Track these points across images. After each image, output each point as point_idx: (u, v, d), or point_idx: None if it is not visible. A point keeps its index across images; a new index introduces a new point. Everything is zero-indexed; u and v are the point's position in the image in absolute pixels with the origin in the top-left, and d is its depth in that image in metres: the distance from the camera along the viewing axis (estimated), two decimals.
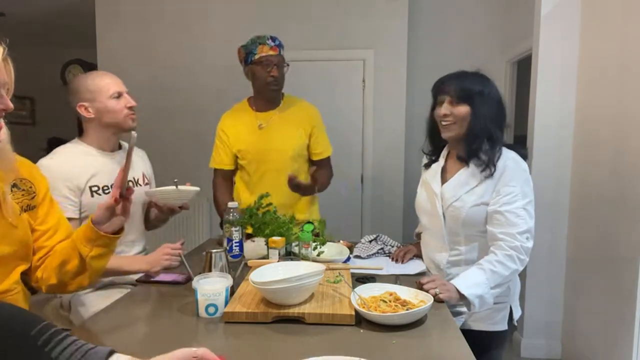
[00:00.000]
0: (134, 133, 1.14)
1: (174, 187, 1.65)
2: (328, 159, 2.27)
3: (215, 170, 2.30)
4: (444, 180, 1.61)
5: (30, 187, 1.22)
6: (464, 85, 1.52)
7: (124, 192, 1.16)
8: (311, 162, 2.25)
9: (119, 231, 1.21)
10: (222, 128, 2.24)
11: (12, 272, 1.15)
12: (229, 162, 2.24)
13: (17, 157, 1.16)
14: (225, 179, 2.30)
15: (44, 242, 1.23)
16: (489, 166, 1.50)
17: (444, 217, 1.58)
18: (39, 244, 1.23)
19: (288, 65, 2.12)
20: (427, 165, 1.73)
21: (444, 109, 1.54)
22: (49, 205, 1.27)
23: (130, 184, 1.72)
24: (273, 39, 2.07)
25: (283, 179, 2.02)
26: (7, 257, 1.12)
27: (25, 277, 1.23)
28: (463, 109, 1.52)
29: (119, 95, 1.66)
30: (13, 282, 1.14)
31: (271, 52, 2.05)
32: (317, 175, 2.21)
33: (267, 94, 2.12)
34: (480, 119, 1.51)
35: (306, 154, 2.20)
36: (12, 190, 1.16)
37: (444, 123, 1.55)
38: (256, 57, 2.06)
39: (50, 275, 1.21)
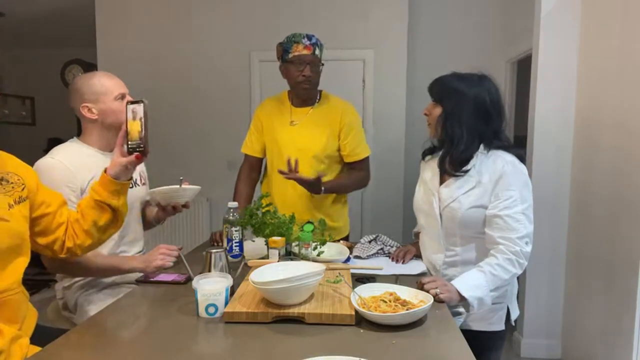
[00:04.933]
0: (146, 100, 1.31)
1: (178, 185, 1.66)
2: (361, 162, 2.18)
3: (245, 156, 2.27)
4: (442, 180, 1.61)
5: (18, 180, 1.24)
6: (440, 86, 1.57)
7: (147, 150, 1.32)
8: (347, 165, 2.19)
9: (130, 178, 1.39)
10: (258, 114, 2.23)
11: (9, 267, 1.14)
12: (258, 149, 2.22)
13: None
14: (251, 168, 2.27)
15: (60, 218, 1.34)
16: (457, 166, 1.54)
17: (440, 217, 1.58)
18: (57, 222, 1.33)
19: (323, 64, 2.10)
20: (425, 154, 1.74)
21: (425, 108, 1.62)
22: (45, 190, 1.35)
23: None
24: (309, 37, 2.03)
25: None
26: (2, 252, 1.12)
27: (50, 252, 1.35)
28: (436, 111, 1.56)
29: (123, 97, 1.66)
30: (13, 280, 1.14)
31: (305, 52, 2.02)
32: (340, 175, 2.17)
33: (299, 93, 2.10)
34: (453, 121, 1.52)
35: (337, 155, 2.15)
36: (2, 184, 1.18)
37: (427, 122, 1.63)
38: (290, 55, 2.03)
39: (84, 238, 1.36)
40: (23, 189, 1.24)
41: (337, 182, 2.13)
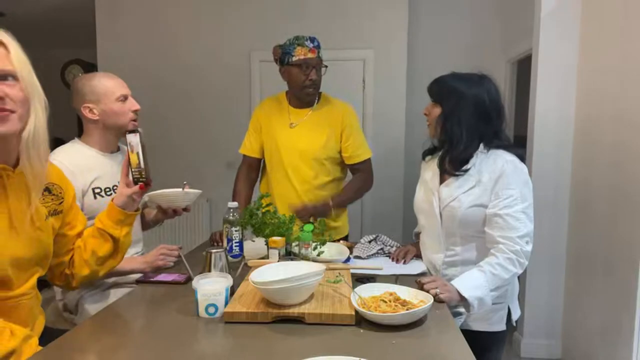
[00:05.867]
0: (141, 130, 1.33)
1: (181, 189, 1.66)
2: (363, 163, 2.16)
3: (243, 156, 2.26)
4: (442, 180, 1.61)
5: (60, 193, 1.26)
6: (439, 86, 1.57)
7: (149, 180, 1.33)
8: (349, 167, 2.19)
9: (137, 209, 1.38)
10: (257, 115, 2.21)
11: (30, 276, 1.16)
12: (257, 150, 2.21)
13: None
14: (250, 168, 2.25)
15: (73, 244, 1.33)
16: (457, 166, 1.54)
17: (440, 217, 1.58)
18: (68, 247, 1.32)
19: (327, 66, 2.07)
20: (425, 154, 1.74)
21: (425, 108, 1.62)
22: (76, 210, 1.34)
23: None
24: (312, 39, 2.01)
25: (302, 179, 2.07)
26: (29, 261, 1.13)
27: (50, 274, 1.32)
28: (436, 111, 1.57)
29: (125, 99, 1.66)
30: (30, 286, 1.16)
31: (310, 55, 1.99)
32: (344, 189, 2.16)
33: (304, 97, 2.08)
34: (452, 122, 1.52)
35: (338, 156, 2.14)
36: (43, 194, 1.18)
37: (427, 122, 1.63)
38: (294, 58, 1.99)
39: (80, 267, 1.32)
40: (60, 203, 1.25)
41: (344, 197, 2.12)
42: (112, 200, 1.33)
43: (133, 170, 1.32)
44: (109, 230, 1.31)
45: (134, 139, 1.32)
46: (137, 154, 1.31)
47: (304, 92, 2.06)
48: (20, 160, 1.07)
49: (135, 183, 1.33)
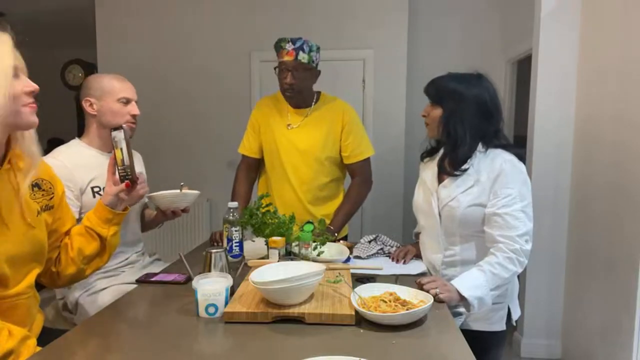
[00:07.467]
0: (125, 126, 1.35)
1: (179, 190, 1.67)
2: (360, 163, 2.13)
3: (242, 156, 2.25)
4: (441, 180, 1.61)
5: (50, 188, 1.26)
6: (437, 88, 1.57)
7: (135, 178, 1.35)
8: (347, 167, 2.17)
9: (125, 209, 1.40)
10: (255, 115, 2.20)
11: (26, 274, 1.15)
12: (256, 149, 2.20)
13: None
14: (249, 168, 2.24)
15: (61, 242, 1.32)
16: (457, 166, 1.54)
17: (439, 216, 1.58)
18: (56, 244, 1.30)
19: (312, 68, 2.01)
20: (424, 156, 1.74)
21: (423, 110, 1.62)
22: (66, 206, 1.34)
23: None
24: (293, 41, 1.96)
25: (301, 180, 2.06)
26: (24, 258, 1.13)
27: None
28: (436, 112, 1.56)
29: (127, 102, 1.66)
30: (27, 285, 1.16)
31: (286, 58, 1.96)
32: (341, 205, 2.13)
33: (287, 99, 2.08)
34: (455, 122, 1.52)
35: (338, 157, 2.13)
36: (32, 190, 1.19)
37: (426, 122, 1.63)
38: (278, 61, 2.00)
39: (66, 265, 1.31)
40: (51, 198, 1.26)
41: (342, 216, 2.10)
42: (101, 199, 1.35)
43: (119, 168, 1.33)
44: (96, 229, 1.32)
45: (118, 135, 1.33)
46: (121, 149, 1.32)
47: (284, 95, 2.06)
48: (12, 140, 1.08)
49: (122, 181, 1.34)
